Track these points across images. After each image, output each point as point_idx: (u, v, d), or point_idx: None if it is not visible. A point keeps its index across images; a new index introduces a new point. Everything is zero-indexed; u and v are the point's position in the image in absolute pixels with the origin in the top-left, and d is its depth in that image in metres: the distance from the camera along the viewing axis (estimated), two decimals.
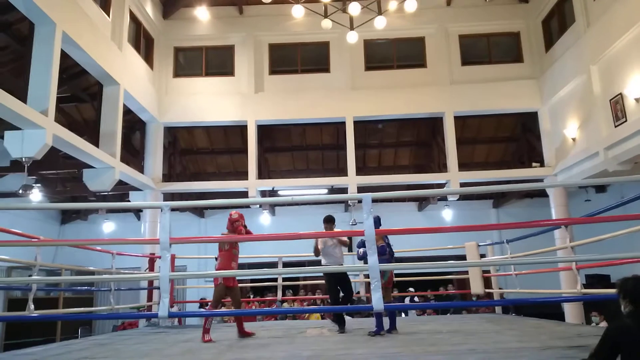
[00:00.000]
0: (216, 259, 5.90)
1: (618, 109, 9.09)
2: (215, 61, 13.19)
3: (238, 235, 5.75)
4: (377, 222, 5.64)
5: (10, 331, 12.27)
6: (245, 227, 5.84)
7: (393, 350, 4.45)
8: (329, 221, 6.48)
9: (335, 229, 6.80)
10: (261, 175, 12.93)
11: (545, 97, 11.96)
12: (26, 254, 7.82)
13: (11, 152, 7.69)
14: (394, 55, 12.96)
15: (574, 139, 10.82)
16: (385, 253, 5.81)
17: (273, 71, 12.89)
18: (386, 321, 5.92)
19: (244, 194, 12.12)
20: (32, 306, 5.58)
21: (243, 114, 12.38)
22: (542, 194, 13.97)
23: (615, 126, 9.18)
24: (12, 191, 11.06)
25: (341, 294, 6.40)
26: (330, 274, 6.35)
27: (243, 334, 5.88)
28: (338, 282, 6.37)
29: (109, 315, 8.47)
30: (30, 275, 7.54)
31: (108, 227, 16.41)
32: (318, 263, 6.46)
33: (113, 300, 7.45)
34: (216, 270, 5.75)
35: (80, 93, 11.27)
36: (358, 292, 13.63)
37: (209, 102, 12.48)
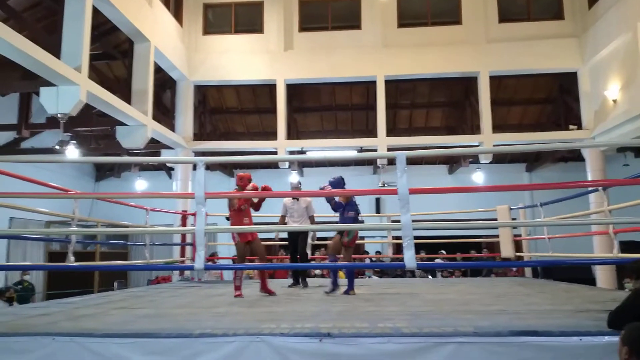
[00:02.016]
0: (227, 218, 5.89)
1: None
2: (244, 18, 12.96)
3: (264, 192, 5.69)
4: (342, 182, 5.82)
5: (51, 282, 12.90)
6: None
7: (424, 308, 4.47)
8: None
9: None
10: (290, 135, 12.88)
11: (586, 56, 11.42)
12: (63, 209, 8.10)
13: (47, 108, 7.84)
14: (428, 11, 12.50)
15: (614, 101, 10.37)
16: (343, 210, 5.78)
17: (303, 28, 12.61)
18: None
19: (273, 154, 12.14)
20: (72, 257, 5.78)
21: (272, 72, 12.25)
22: (577, 157, 13.53)
23: None
24: (49, 147, 11.36)
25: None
26: (292, 233, 7.07)
27: (265, 290, 5.78)
28: (296, 241, 7.00)
29: (146, 266, 8.76)
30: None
31: (141, 184, 16.72)
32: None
33: (148, 254, 7.68)
34: None
35: (112, 50, 11.31)
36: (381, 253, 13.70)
37: (238, 60, 12.36)
